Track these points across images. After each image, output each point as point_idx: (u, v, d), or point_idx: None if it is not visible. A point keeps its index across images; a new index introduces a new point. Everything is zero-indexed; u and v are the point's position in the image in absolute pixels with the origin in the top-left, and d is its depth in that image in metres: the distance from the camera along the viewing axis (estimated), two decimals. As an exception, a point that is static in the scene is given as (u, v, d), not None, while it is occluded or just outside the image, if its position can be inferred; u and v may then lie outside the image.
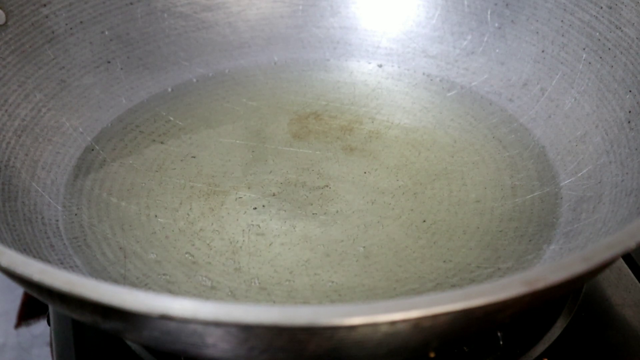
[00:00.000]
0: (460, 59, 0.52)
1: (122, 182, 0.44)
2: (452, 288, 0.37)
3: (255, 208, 0.42)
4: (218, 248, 0.40)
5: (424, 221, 0.41)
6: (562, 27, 0.47)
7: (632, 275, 0.43)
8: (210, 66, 0.54)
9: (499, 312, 0.25)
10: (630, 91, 0.42)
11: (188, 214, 0.42)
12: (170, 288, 0.37)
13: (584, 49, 0.46)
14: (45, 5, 0.46)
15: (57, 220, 0.41)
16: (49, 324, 0.42)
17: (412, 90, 0.52)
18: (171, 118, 0.50)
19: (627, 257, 0.44)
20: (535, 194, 0.43)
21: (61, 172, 0.44)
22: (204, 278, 0.38)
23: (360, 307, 0.23)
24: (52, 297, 0.26)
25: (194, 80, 0.53)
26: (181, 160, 0.46)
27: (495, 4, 0.51)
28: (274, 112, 0.50)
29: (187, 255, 0.39)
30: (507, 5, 0.50)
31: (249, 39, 0.55)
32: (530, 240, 0.40)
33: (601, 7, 0.45)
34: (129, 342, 0.38)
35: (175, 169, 0.45)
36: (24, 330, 0.61)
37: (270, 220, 0.41)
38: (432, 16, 0.53)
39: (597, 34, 0.45)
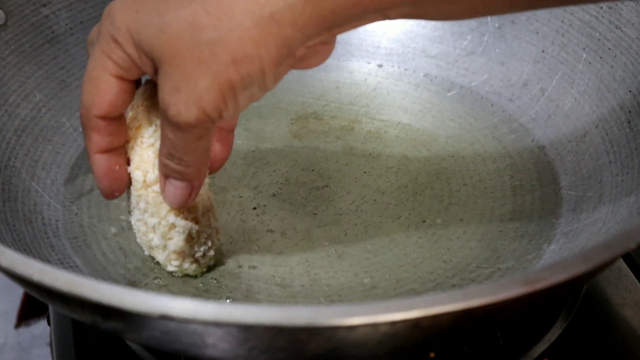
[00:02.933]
0: (460, 59, 0.52)
1: (122, 182, 0.44)
2: (452, 288, 0.37)
3: (255, 208, 0.42)
4: (218, 248, 0.39)
5: (424, 221, 0.41)
6: (562, 27, 0.47)
7: (632, 275, 0.43)
8: (210, 66, 0.54)
9: (499, 312, 0.25)
10: (630, 91, 0.42)
11: (188, 214, 0.42)
12: (170, 288, 0.37)
13: (584, 49, 0.46)
14: (45, 5, 0.46)
15: (57, 220, 0.41)
16: (49, 324, 0.42)
17: (412, 90, 0.52)
18: (171, 118, 0.49)
19: (627, 257, 0.44)
20: (535, 194, 0.43)
21: (61, 172, 0.44)
22: (203, 278, 0.38)
23: (360, 307, 0.23)
24: (52, 297, 0.26)
25: (194, 80, 0.53)
26: (181, 160, 0.46)
27: (495, 4, 0.51)
28: (274, 112, 0.50)
29: (187, 255, 0.39)
30: (507, 5, 0.50)
31: (249, 39, 0.55)
32: (530, 240, 0.40)
33: (601, 7, 0.45)
34: (129, 342, 0.38)
35: (175, 169, 0.45)
36: (24, 330, 0.61)
37: (270, 220, 0.41)
38: (432, 16, 0.53)
39: (597, 34, 0.45)
